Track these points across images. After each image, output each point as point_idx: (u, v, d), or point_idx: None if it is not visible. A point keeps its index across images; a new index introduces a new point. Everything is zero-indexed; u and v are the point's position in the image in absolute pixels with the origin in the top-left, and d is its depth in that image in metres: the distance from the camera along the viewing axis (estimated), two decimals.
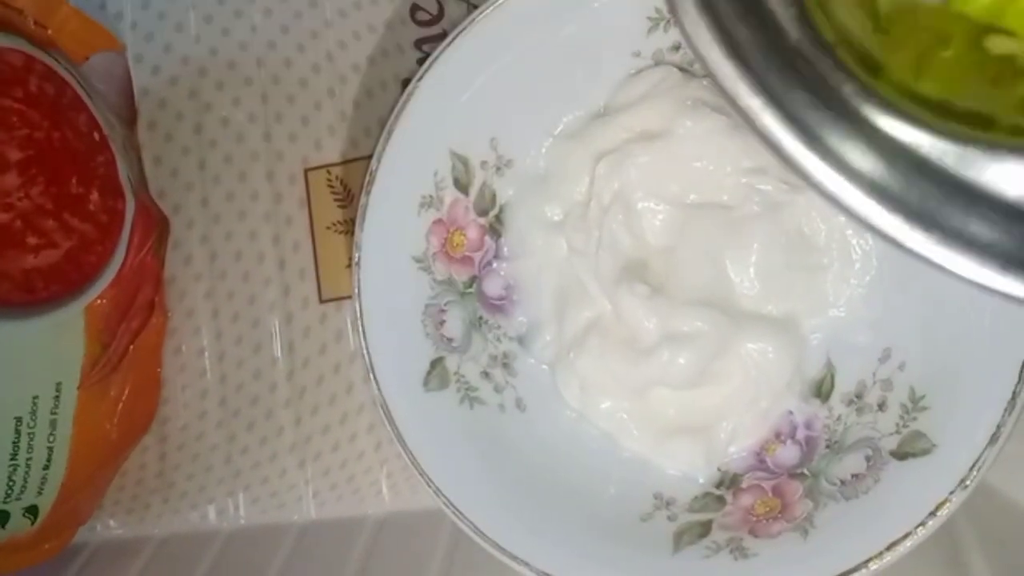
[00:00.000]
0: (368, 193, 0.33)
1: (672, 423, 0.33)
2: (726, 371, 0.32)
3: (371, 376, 0.33)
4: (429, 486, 0.32)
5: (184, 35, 0.40)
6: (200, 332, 0.40)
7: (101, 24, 0.39)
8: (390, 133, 0.33)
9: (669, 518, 0.32)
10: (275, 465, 0.39)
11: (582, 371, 0.33)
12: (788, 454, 0.32)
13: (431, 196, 0.34)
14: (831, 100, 0.18)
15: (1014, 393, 0.27)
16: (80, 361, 0.35)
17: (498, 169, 0.35)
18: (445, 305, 0.34)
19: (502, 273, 0.35)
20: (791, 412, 0.32)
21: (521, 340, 0.35)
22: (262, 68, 0.40)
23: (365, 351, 0.33)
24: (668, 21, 0.32)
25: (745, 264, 0.32)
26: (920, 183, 0.17)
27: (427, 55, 0.34)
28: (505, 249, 0.35)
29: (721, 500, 0.32)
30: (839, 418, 0.32)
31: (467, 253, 0.35)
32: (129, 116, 0.40)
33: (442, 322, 0.34)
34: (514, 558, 0.31)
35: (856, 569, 0.28)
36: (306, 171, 0.39)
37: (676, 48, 0.33)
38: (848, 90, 0.17)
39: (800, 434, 0.32)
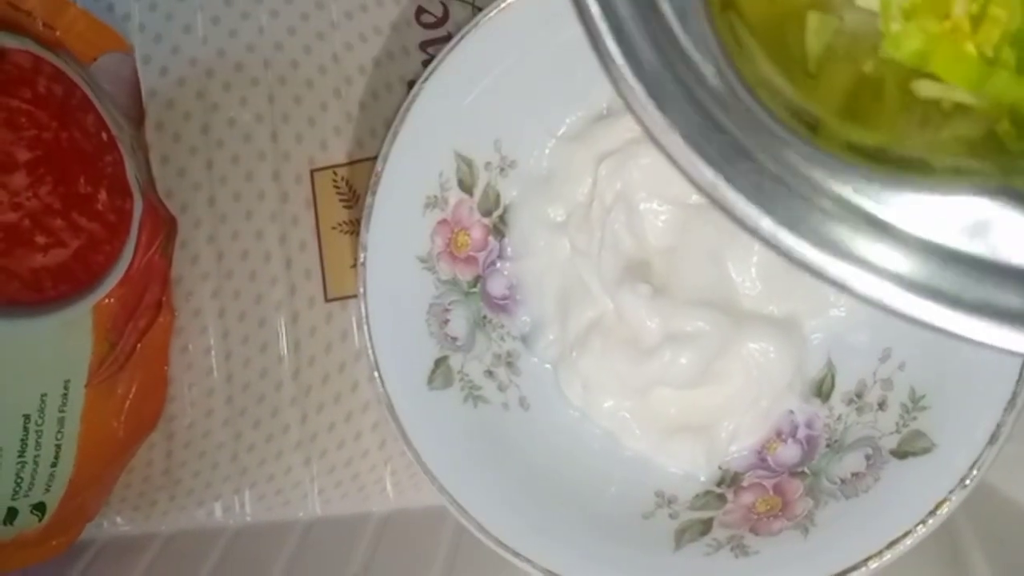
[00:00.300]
0: (374, 193, 0.33)
1: (674, 422, 0.33)
2: (727, 371, 0.32)
3: (376, 374, 0.33)
4: (433, 483, 0.32)
5: (191, 36, 0.40)
6: (207, 331, 0.40)
7: (109, 25, 0.39)
8: (395, 134, 0.33)
9: (670, 516, 0.32)
10: (281, 463, 0.39)
11: (585, 370, 0.34)
12: (789, 453, 0.32)
13: (436, 196, 0.34)
14: (779, 169, 0.18)
15: (1014, 393, 0.27)
16: (88, 359, 0.36)
17: (502, 170, 0.35)
18: (449, 304, 0.35)
19: (506, 273, 0.35)
20: (792, 411, 0.32)
21: (524, 339, 0.35)
22: (269, 69, 0.40)
23: (370, 350, 0.33)
24: None
25: (747, 264, 0.32)
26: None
27: (432, 57, 0.35)
28: (509, 249, 0.35)
29: (722, 498, 0.32)
30: (839, 417, 0.32)
31: (471, 253, 0.35)
32: (137, 116, 0.40)
33: (446, 321, 0.34)
34: (517, 555, 0.31)
35: (856, 567, 0.28)
36: (312, 171, 0.39)
37: None
38: (793, 155, 0.18)
39: (801, 433, 0.32)
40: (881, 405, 0.31)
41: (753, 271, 0.32)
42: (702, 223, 0.32)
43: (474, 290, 0.35)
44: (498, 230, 0.35)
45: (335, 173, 0.39)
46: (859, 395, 0.31)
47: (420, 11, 0.38)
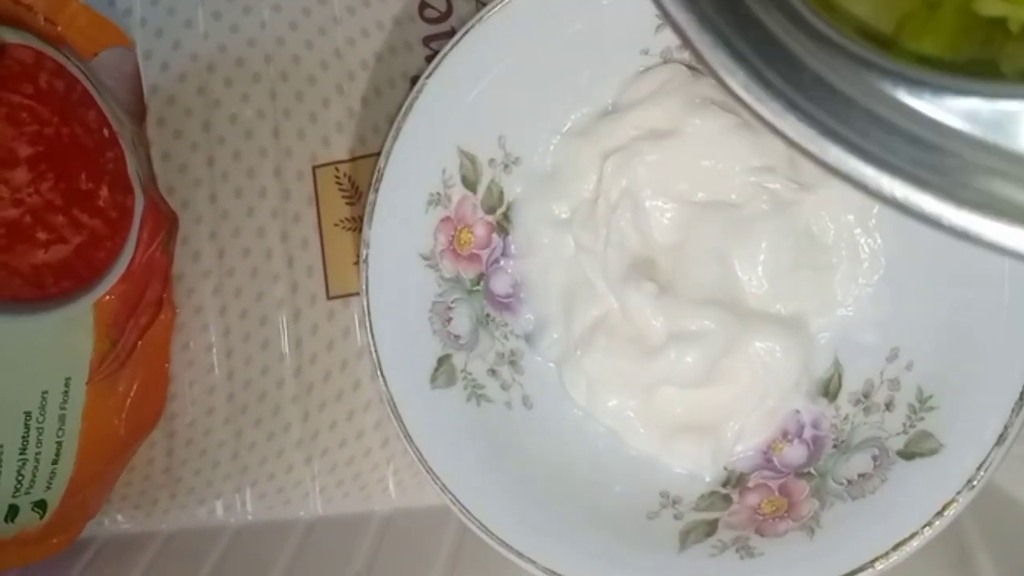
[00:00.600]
0: (376, 190, 0.33)
1: (679, 422, 0.33)
2: (733, 370, 0.32)
3: (378, 373, 0.33)
4: (435, 483, 0.32)
5: (193, 31, 0.40)
6: (208, 328, 0.40)
7: (110, 20, 0.39)
8: (398, 130, 0.33)
9: (675, 516, 0.32)
10: (282, 461, 0.39)
11: (589, 369, 0.33)
12: (795, 453, 0.32)
13: (439, 193, 0.34)
14: (851, 82, 0.17)
15: (1022, 394, 0.27)
16: (89, 357, 0.36)
17: (506, 167, 0.35)
18: (452, 302, 0.34)
19: (509, 271, 0.35)
20: (798, 411, 0.32)
21: (528, 338, 0.35)
22: (271, 65, 0.40)
23: (372, 348, 0.33)
24: None
25: (753, 263, 0.32)
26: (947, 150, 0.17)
27: (435, 52, 0.34)
28: (512, 247, 0.35)
29: (727, 499, 0.32)
30: (846, 418, 0.31)
31: (474, 251, 0.35)
32: (138, 112, 0.40)
33: (449, 319, 0.34)
34: (520, 555, 0.31)
35: (862, 569, 0.28)
36: (314, 168, 0.39)
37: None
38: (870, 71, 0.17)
39: (807, 433, 0.32)
40: (888, 405, 0.31)
41: (759, 269, 0.32)
42: (708, 221, 0.32)
43: (477, 288, 0.35)
44: (502, 227, 0.35)
45: (337, 169, 0.39)
46: (866, 395, 0.31)
47: (423, 6, 0.38)
